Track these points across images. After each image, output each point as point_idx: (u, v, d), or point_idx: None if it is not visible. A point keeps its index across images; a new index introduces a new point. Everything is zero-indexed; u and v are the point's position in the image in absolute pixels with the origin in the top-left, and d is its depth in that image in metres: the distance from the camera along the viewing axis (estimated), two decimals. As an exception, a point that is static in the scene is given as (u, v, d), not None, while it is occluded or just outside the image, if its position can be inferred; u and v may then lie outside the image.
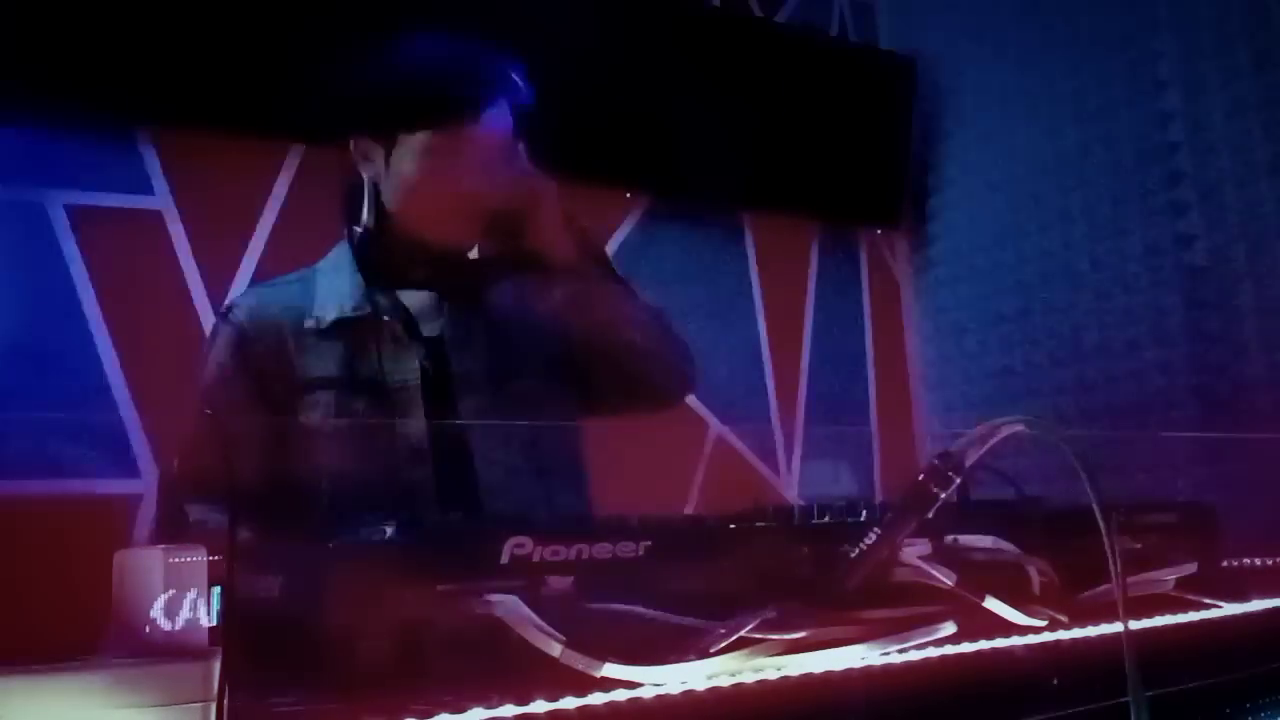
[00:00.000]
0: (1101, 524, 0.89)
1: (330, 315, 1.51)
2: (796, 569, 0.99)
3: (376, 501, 1.46)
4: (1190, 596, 1.17)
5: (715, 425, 3.24)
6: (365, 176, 1.55)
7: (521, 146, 1.56)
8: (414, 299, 1.56)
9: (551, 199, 1.55)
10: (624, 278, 1.65)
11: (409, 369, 1.51)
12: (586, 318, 1.57)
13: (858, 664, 0.87)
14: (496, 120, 1.53)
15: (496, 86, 1.53)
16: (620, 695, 0.77)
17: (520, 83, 1.56)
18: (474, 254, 1.62)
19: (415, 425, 1.49)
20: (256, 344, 1.51)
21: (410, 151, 1.51)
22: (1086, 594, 1.10)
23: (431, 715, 0.70)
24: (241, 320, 1.54)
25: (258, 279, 2.68)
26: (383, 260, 1.55)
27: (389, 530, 0.83)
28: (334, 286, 1.54)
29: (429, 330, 1.55)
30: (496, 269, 1.61)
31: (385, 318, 1.52)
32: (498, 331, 1.58)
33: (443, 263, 1.57)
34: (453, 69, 1.55)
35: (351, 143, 1.57)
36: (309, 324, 1.51)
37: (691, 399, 2.93)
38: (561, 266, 1.55)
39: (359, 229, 1.56)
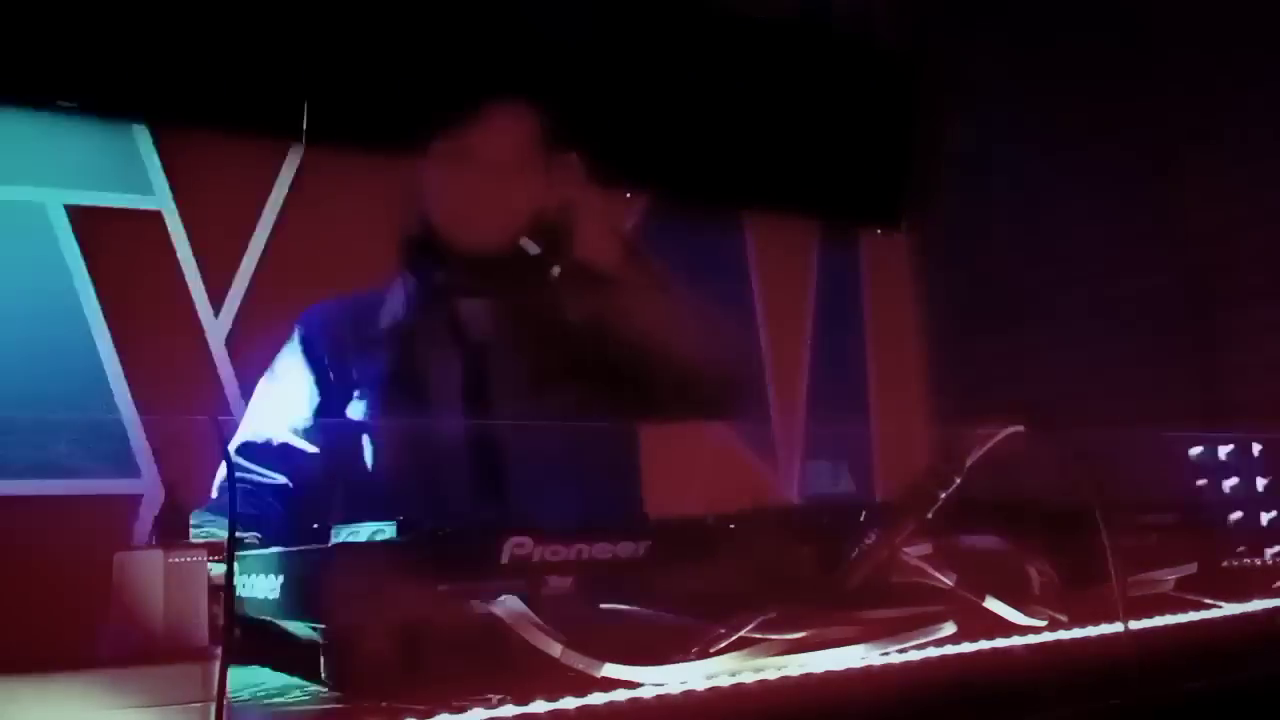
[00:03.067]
0: (1101, 524, 0.89)
1: (385, 322, 1.60)
2: (796, 569, 0.99)
3: (409, 498, 1.51)
4: (1190, 596, 1.17)
5: (715, 424, 3.23)
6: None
7: (571, 157, 1.59)
8: (467, 306, 1.61)
9: (593, 208, 1.57)
10: (673, 287, 1.64)
11: (452, 373, 1.57)
12: (631, 327, 1.57)
13: (858, 664, 0.87)
14: (508, 126, 1.57)
15: (505, 93, 1.58)
16: (620, 695, 0.77)
17: (546, 93, 1.62)
18: (526, 258, 1.60)
19: (452, 425, 1.55)
20: (318, 345, 1.62)
21: (434, 160, 1.59)
22: (1086, 594, 1.10)
23: (431, 715, 0.71)
24: (311, 323, 1.64)
25: (258, 279, 2.68)
26: (430, 268, 1.61)
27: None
28: (396, 297, 1.63)
29: (476, 335, 1.60)
30: (543, 277, 1.60)
31: (433, 323, 1.59)
32: (541, 338, 1.60)
33: (485, 269, 1.59)
34: (458, 76, 1.58)
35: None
36: (370, 332, 1.60)
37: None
38: (607, 276, 1.56)
39: (408, 239, 1.63)
